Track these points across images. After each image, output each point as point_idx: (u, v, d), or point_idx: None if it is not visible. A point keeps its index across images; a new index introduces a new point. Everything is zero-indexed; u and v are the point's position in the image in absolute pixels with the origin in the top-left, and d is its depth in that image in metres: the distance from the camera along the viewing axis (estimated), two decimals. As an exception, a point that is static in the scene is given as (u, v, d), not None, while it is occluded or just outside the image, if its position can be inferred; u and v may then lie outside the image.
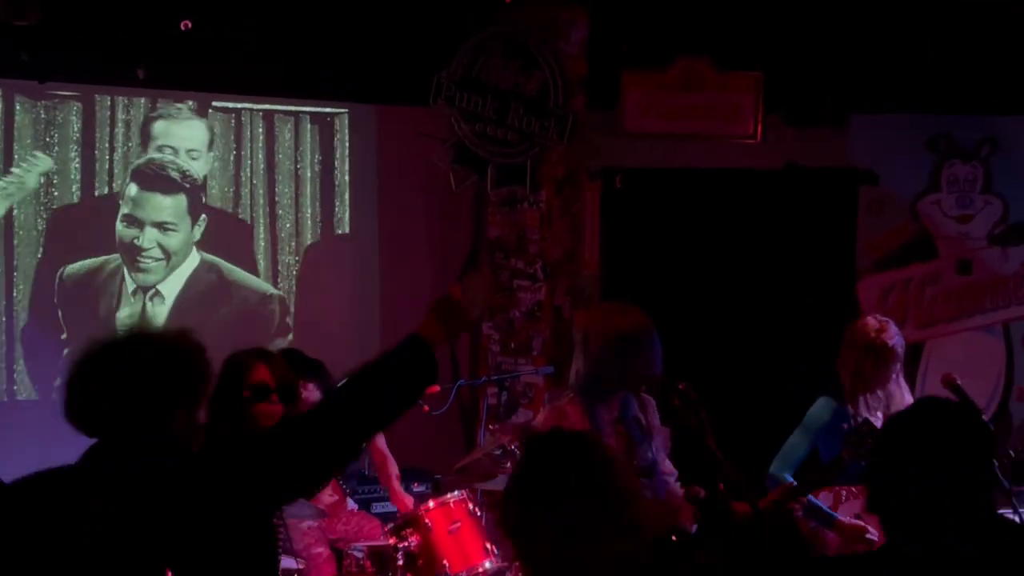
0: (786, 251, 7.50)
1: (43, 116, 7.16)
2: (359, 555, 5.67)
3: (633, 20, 7.47)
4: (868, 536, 5.10)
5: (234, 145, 7.59)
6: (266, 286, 7.65)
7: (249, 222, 7.65)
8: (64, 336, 7.20)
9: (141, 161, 7.33)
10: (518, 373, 7.31)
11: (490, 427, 6.57)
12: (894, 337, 5.31)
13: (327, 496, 6.19)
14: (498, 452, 6.34)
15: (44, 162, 7.15)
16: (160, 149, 7.34)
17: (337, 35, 7.41)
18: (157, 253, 7.35)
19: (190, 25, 6.88)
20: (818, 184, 7.56)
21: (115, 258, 7.31)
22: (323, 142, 7.80)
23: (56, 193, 7.20)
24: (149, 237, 7.31)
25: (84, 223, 7.27)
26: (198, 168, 7.43)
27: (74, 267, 7.25)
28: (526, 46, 7.43)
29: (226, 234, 7.59)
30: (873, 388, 5.30)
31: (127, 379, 2.86)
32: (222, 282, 7.53)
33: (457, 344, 7.05)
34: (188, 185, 7.39)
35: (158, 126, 7.36)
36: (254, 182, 7.65)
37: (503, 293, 7.60)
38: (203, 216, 7.45)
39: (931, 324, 7.48)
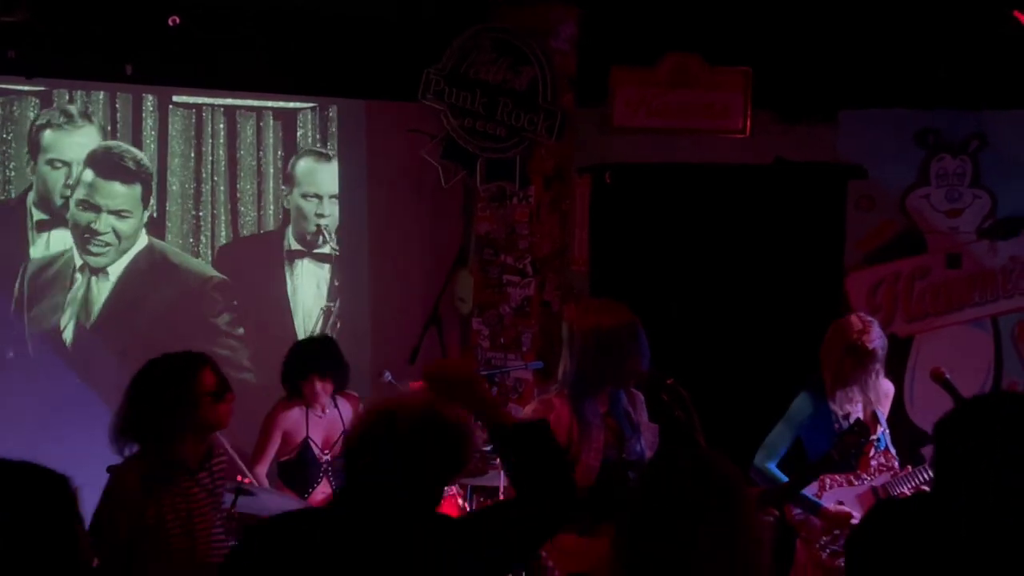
0: (775, 246, 7.50)
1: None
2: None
3: (622, 16, 7.47)
4: (852, 522, 5.14)
5: (194, 141, 7.58)
6: (209, 269, 7.66)
7: (209, 218, 7.66)
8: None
9: (98, 148, 7.35)
10: (508, 369, 7.32)
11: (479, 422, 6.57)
12: (875, 340, 5.35)
13: (319, 494, 6.20)
14: (488, 448, 6.35)
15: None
16: (51, 163, 7.32)
17: (326, 30, 7.41)
18: (111, 238, 7.41)
19: (178, 21, 6.87)
20: (807, 179, 7.56)
21: (69, 249, 7.36)
22: (286, 138, 7.78)
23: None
24: (105, 222, 7.36)
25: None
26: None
27: (38, 258, 7.31)
28: (516, 42, 7.43)
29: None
30: (851, 385, 5.35)
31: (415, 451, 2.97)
32: (166, 264, 7.57)
33: (447, 340, 7.04)
34: (143, 174, 7.45)
35: (46, 136, 7.35)
36: (215, 178, 7.65)
37: (492, 289, 7.61)
38: (152, 202, 7.48)
39: (920, 318, 7.49)
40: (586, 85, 7.59)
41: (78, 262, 7.38)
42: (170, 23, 6.85)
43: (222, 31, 7.15)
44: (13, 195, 7.25)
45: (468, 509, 6.11)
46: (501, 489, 6.14)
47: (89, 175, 7.35)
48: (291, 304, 7.84)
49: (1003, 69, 7.10)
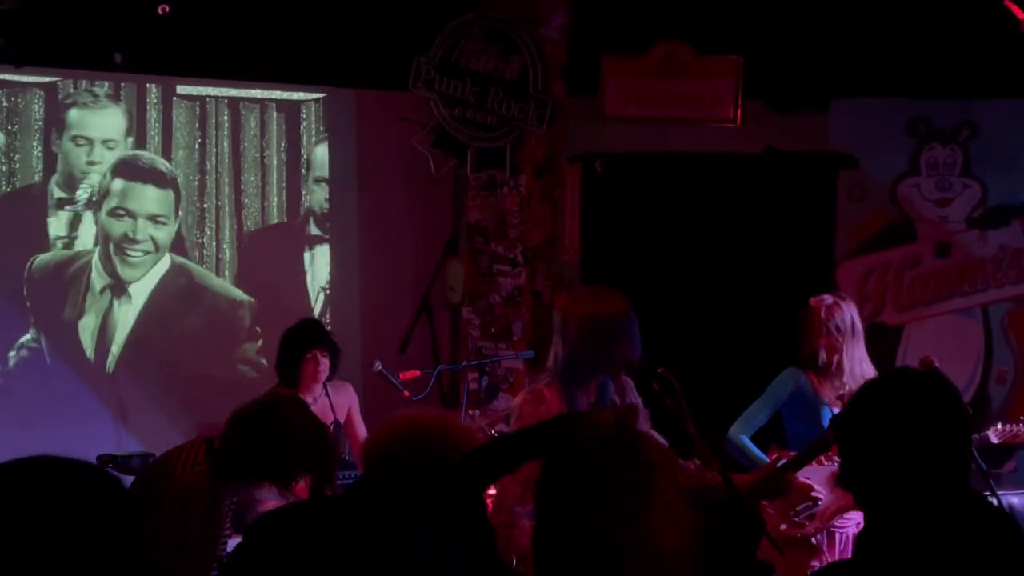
0: (766, 235, 7.50)
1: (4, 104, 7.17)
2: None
3: (612, 5, 7.46)
4: (814, 494, 5.15)
5: (199, 133, 7.56)
6: (236, 292, 7.60)
7: (214, 210, 7.64)
8: (31, 334, 7.18)
9: (127, 155, 7.31)
10: (498, 358, 7.32)
11: (469, 412, 6.58)
12: (846, 317, 5.30)
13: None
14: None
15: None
16: (74, 140, 7.29)
17: (315, 19, 7.39)
18: (148, 246, 7.34)
19: (168, 10, 6.85)
20: (798, 168, 7.56)
21: (86, 253, 7.27)
22: (289, 130, 7.77)
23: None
24: (142, 229, 7.29)
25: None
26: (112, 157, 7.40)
27: (44, 257, 7.22)
28: (506, 31, 7.42)
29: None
30: (825, 363, 5.31)
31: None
32: (192, 286, 7.50)
33: (437, 329, 7.04)
34: (172, 180, 7.41)
35: (72, 114, 7.31)
36: (219, 171, 7.63)
37: (483, 278, 7.60)
38: (180, 214, 7.44)
39: (910, 307, 7.50)
40: (576, 74, 7.58)
41: (97, 284, 7.27)
42: (160, 12, 6.83)
43: (210, 19, 7.13)
44: (18, 186, 7.21)
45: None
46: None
47: (119, 183, 7.29)
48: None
49: (994, 58, 7.10)
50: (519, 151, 7.50)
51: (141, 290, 7.36)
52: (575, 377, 4.42)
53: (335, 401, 6.18)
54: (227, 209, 7.64)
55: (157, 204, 7.37)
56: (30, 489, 2.08)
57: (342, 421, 6.17)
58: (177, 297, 7.44)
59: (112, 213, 7.28)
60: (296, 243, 7.84)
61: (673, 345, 5.34)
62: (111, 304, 7.31)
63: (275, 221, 7.77)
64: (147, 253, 7.34)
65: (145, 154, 7.37)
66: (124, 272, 7.31)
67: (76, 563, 2.04)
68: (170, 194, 7.41)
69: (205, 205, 7.61)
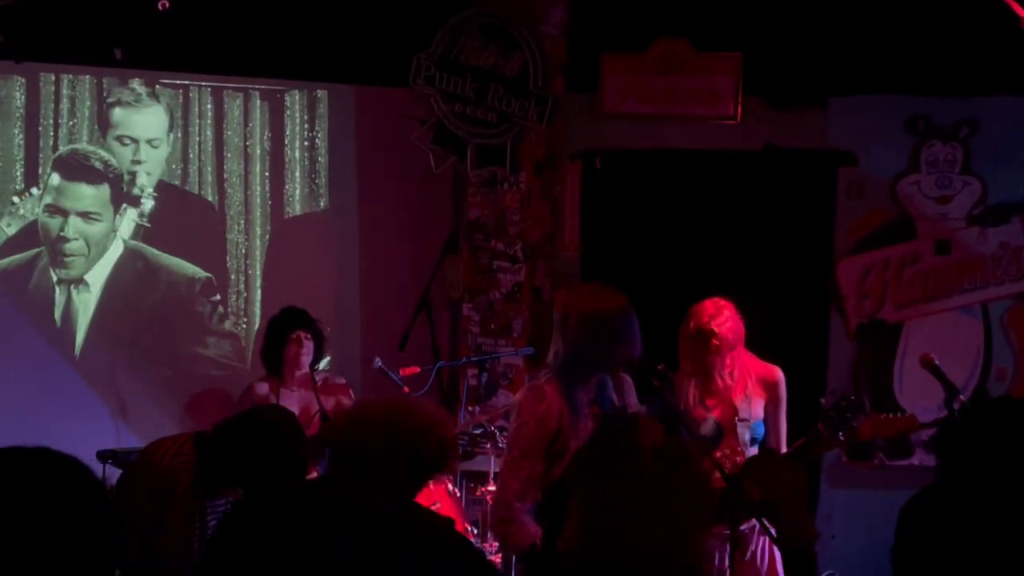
0: (765, 232, 7.50)
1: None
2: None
3: (612, 1, 7.46)
4: None
5: (181, 121, 7.56)
6: (194, 269, 7.60)
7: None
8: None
9: (64, 151, 7.29)
10: (498, 355, 7.32)
11: (469, 408, 6.59)
12: (726, 327, 5.23)
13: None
14: (477, 431, 6.36)
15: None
16: (120, 139, 7.32)
17: (315, 16, 7.39)
18: (79, 246, 7.29)
19: (168, 5, 6.85)
20: (797, 165, 7.56)
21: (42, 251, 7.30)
22: (273, 119, 7.75)
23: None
24: (73, 227, 7.27)
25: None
26: (159, 155, 7.43)
27: (3, 262, 7.23)
28: (506, 27, 7.42)
29: (179, 213, 7.60)
30: (702, 372, 5.21)
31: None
32: (148, 268, 7.49)
33: (437, 326, 7.04)
34: (111, 175, 7.36)
35: (116, 113, 7.34)
36: (202, 159, 7.63)
37: (483, 275, 7.60)
38: (124, 205, 7.39)
39: (910, 304, 7.49)
40: (576, 71, 7.58)
41: (54, 277, 7.29)
42: (160, 7, 6.83)
43: (211, 15, 7.13)
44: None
45: (457, 494, 6.12)
46: (491, 474, 6.15)
47: (56, 178, 7.28)
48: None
49: (994, 55, 7.10)
50: (519, 148, 7.50)
51: (96, 278, 7.36)
52: (575, 374, 4.43)
53: (323, 392, 6.19)
54: (211, 199, 7.64)
55: (87, 200, 7.32)
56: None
57: (328, 411, 6.14)
58: (133, 280, 7.44)
59: (46, 209, 7.27)
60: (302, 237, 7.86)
61: (672, 342, 5.33)
62: (69, 296, 7.32)
63: (258, 211, 7.76)
64: (78, 254, 7.29)
65: (82, 148, 7.33)
66: (60, 272, 7.29)
67: (48, 549, 2.07)
68: (104, 189, 7.35)
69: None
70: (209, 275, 7.61)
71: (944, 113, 7.45)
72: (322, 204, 7.87)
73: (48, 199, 7.26)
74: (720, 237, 7.54)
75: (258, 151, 7.74)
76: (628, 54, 7.57)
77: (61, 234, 7.27)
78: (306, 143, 7.79)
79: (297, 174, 7.79)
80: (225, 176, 7.68)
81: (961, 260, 7.45)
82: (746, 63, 7.44)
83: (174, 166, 7.55)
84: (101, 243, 7.35)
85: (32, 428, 6.66)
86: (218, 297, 7.61)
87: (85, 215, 7.31)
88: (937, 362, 5.26)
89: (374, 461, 3.05)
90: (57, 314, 7.29)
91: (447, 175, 7.70)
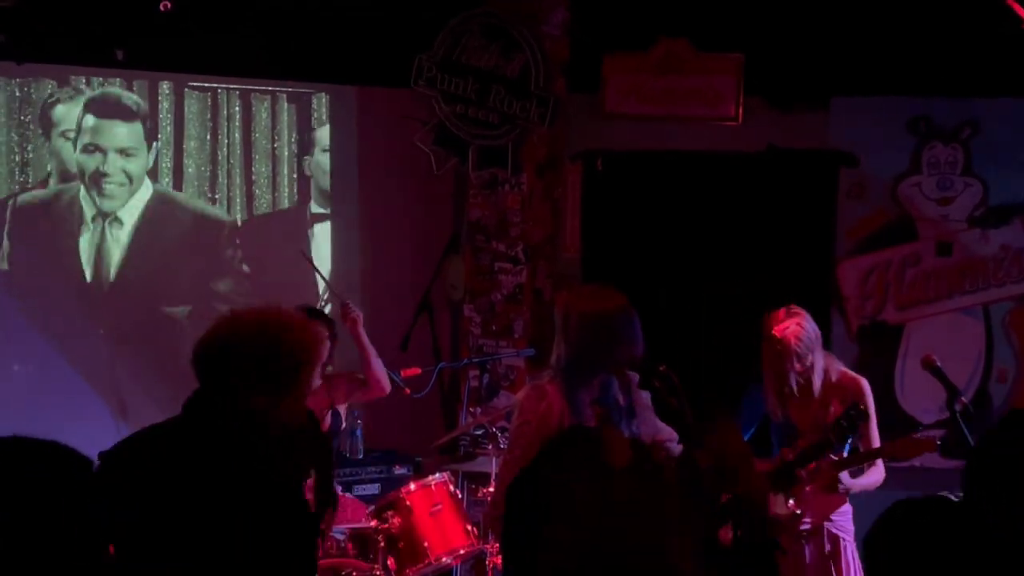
0: (766, 233, 7.50)
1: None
2: (340, 537, 5.67)
3: (614, 2, 7.46)
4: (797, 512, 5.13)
5: (210, 124, 7.58)
6: (219, 212, 7.70)
7: (225, 201, 7.70)
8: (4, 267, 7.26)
9: (95, 93, 7.38)
10: (499, 356, 7.32)
11: (471, 410, 6.59)
12: (788, 332, 5.22)
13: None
14: (479, 432, 6.35)
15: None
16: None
17: (317, 16, 7.39)
18: (121, 178, 7.44)
19: (169, 6, 6.85)
20: (799, 166, 7.56)
21: (71, 187, 7.37)
22: (300, 121, 7.78)
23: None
24: (113, 163, 7.39)
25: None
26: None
27: (28, 196, 7.32)
28: (507, 28, 7.42)
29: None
30: (775, 379, 5.23)
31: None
32: (178, 209, 7.62)
33: (438, 327, 7.04)
34: (142, 115, 7.47)
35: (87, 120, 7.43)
36: (231, 161, 7.64)
37: (484, 276, 7.60)
38: (155, 143, 7.51)
39: (911, 306, 7.49)
40: (577, 71, 7.58)
41: (89, 212, 7.40)
42: (161, 8, 6.83)
43: (211, 16, 7.13)
44: (32, 179, 7.30)
45: (459, 495, 6.11)
46: (492, 475, 6.14)
47: (90, 119, 7.39)
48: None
49: (996, 57, 7.10)
50: (521, 149, 7.50)
51: (128, 216, 7.48)
52: (577, 375, 4.42)
53: (332, 392, 6.17)
54: (238, 200, 7.68)
55: (124, 138, 7.45)
56: None
57: (339, 406, 6.10)
58: (162, 220, 7.56)
59: (84, 149, 7.37)
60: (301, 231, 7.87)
61: (673, 343, 5.33)
62: (103, 230, 7.44)
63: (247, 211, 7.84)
64: (120, 185, 7.45)
65: (112, 90, 7.44)
66: (103, 204, 7.42)
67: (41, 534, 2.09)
68: (138, 126, 7.46)
69: (217, 196, 7.67)
70: (234, 219, 7.72)
71: (945, 114, 7.45)
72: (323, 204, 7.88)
73: (85, 140, 7.36)
74: (721, 238, 7.54)
75: (286, 153, 7.77)
76: (629, 55, 7.57)
77: (102, 169, 7.39)
78: (306, 143, 7.80)
79: (296, 174, 7.80)
80: (254, 177, 7.71)
81: (962, 262, 7.45)
82: (747, 64, 7.44)
83: (203, 168, 7.61)
84: (140, 177, 7.48)
85: (38, 421, 6.73)
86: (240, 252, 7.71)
87: (123, 151, 7.43)
88: (938, 364, 5.25)
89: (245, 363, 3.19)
90: (90, 251, 7.42)
91: (448, 176, 7.70)
